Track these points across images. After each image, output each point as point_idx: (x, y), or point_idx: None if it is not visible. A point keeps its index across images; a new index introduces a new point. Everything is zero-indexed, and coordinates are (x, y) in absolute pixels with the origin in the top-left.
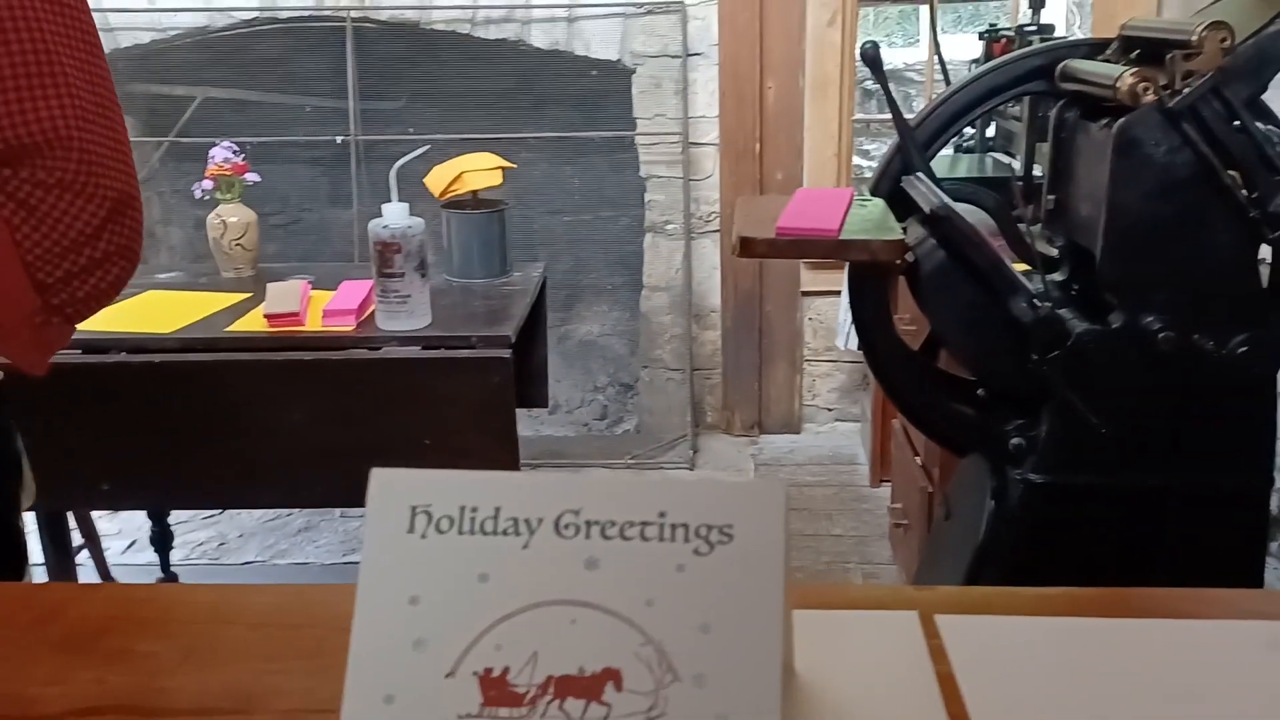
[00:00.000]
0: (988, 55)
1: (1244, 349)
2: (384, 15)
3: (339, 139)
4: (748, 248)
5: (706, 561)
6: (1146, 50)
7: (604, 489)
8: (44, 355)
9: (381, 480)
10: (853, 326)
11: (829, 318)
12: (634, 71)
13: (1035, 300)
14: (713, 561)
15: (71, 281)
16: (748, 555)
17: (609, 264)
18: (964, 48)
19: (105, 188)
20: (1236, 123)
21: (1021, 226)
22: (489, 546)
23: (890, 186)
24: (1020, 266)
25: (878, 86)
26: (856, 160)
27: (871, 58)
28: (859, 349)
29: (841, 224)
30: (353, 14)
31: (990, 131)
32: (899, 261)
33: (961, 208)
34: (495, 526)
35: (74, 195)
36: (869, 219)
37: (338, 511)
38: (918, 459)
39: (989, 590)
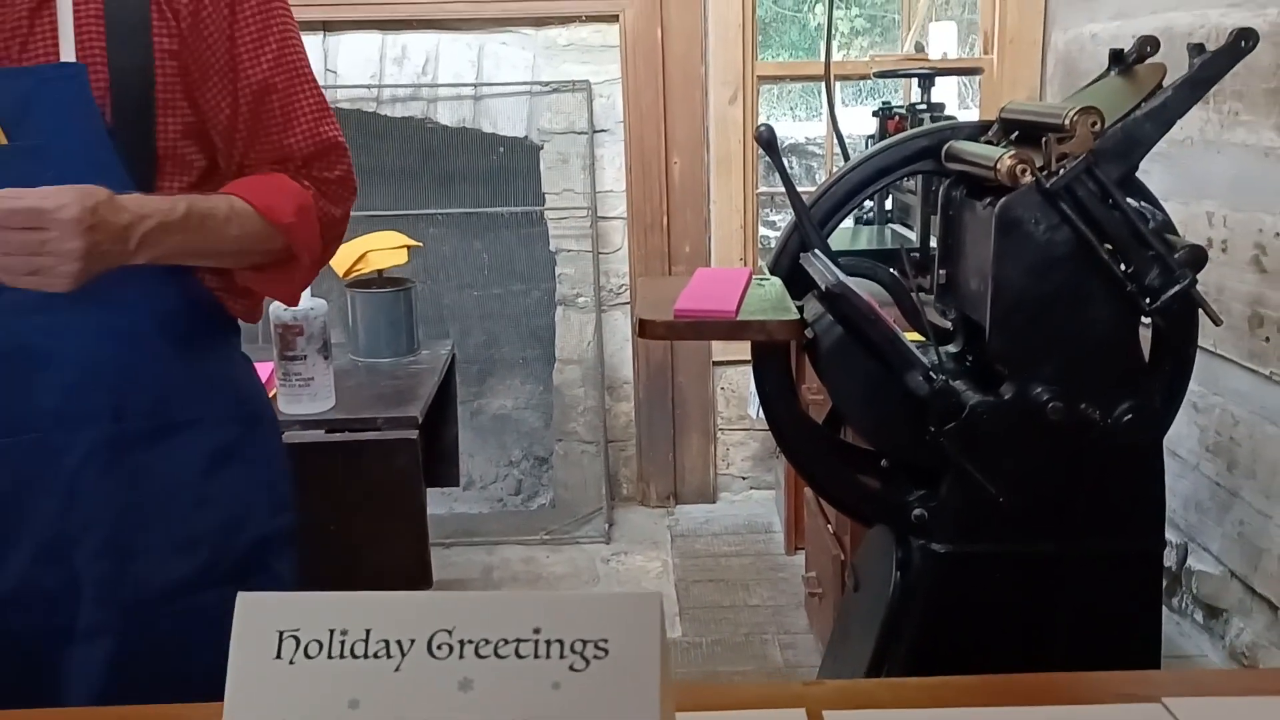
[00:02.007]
0: (882, 132)
1: (1128, 417)
2: None
3: None
4: (647, 330)
5: (583, 677)
6: (1024, 132)
7: (478, 607)
8: (302, 290)
9: (247, 604)
10: None
11: (740, 386)
12: (541, 148)
13: (931, 373)
14: (589, 677)
15: (330, 246)
16: (624, 669)
17: (521, 338)
18: (861, 121)
19: (355, 187)
20: (1110, 201)
21: (917, 296)
22: (359, 670)
23: (789, 263)
24: (914, 337)
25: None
26: (763, 231)
27: (766, 140)
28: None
29: (739, 304)
30: None
31: (889, 204)
32: (799, 338)
33: (858, 282)
34: (366, 650)
35: (342, 186)
36: (767, 298)
37: None
38: (829, 527)
39: (877, 682)
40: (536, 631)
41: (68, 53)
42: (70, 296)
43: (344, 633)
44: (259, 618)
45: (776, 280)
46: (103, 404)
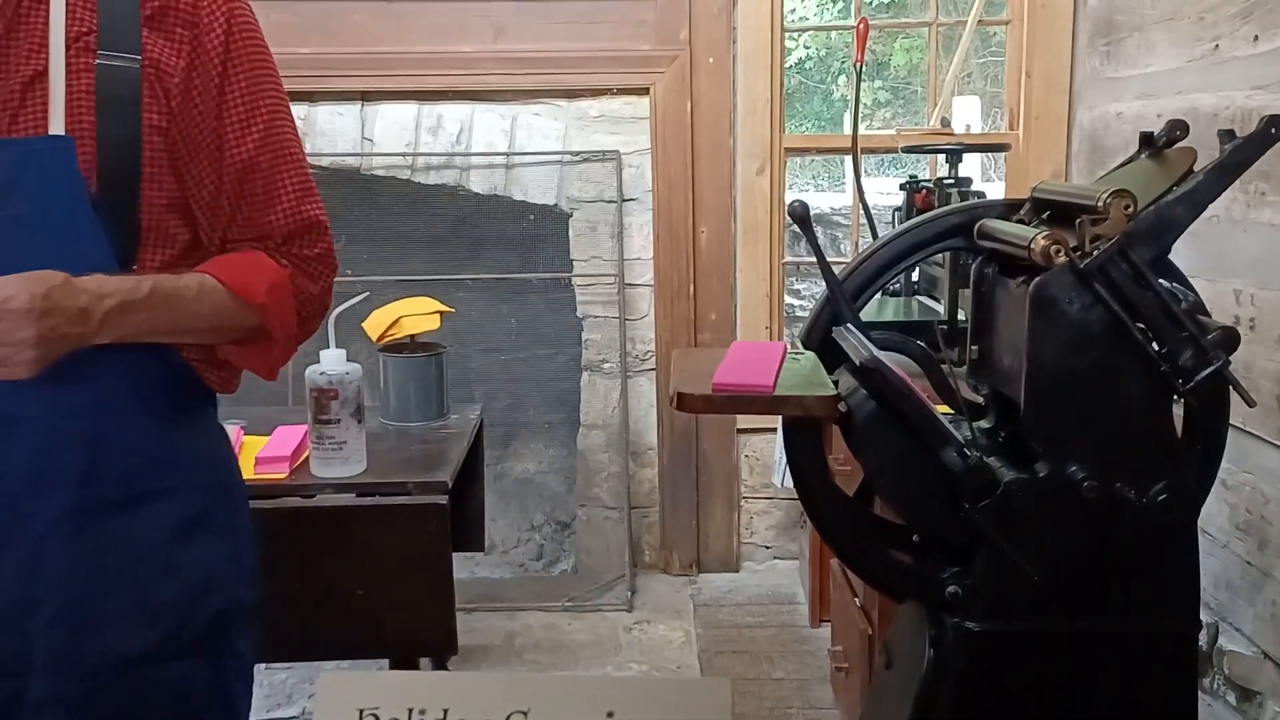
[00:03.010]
0: (909, 204)
1: (1163, 497)
2: (325, 161)
3: None
4: (685, 403)
5: None
6: (1057, 212)
7: (552, 689)
8: (279, 366)
9: (328, 684)
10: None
11: (765, 455)
12: (571, 215)
13: (965, 449)
14: None
15: (308, 323)
16: None
17: (546, 402)
18: (887, 188)
19: (335, 264)
20: (1143, 282)
21: (946, 368)
22: None
23: (821, 337)
24: (945, 410)
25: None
26: (788, 300)
27: (800, 216)
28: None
29: (775, 379)
30: None
31: (915, 276)
32: (835, 414)
33: (889, 356)
34: None
35: (321, 264)
36: (801, 373)
37: (263, 665)
38: (857, 600)
39: None
40: (610, 715)
41: (57, 126)
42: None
43: (422, 712)
44: (340, 695)
45: (811, 355)
46: (71, 470)
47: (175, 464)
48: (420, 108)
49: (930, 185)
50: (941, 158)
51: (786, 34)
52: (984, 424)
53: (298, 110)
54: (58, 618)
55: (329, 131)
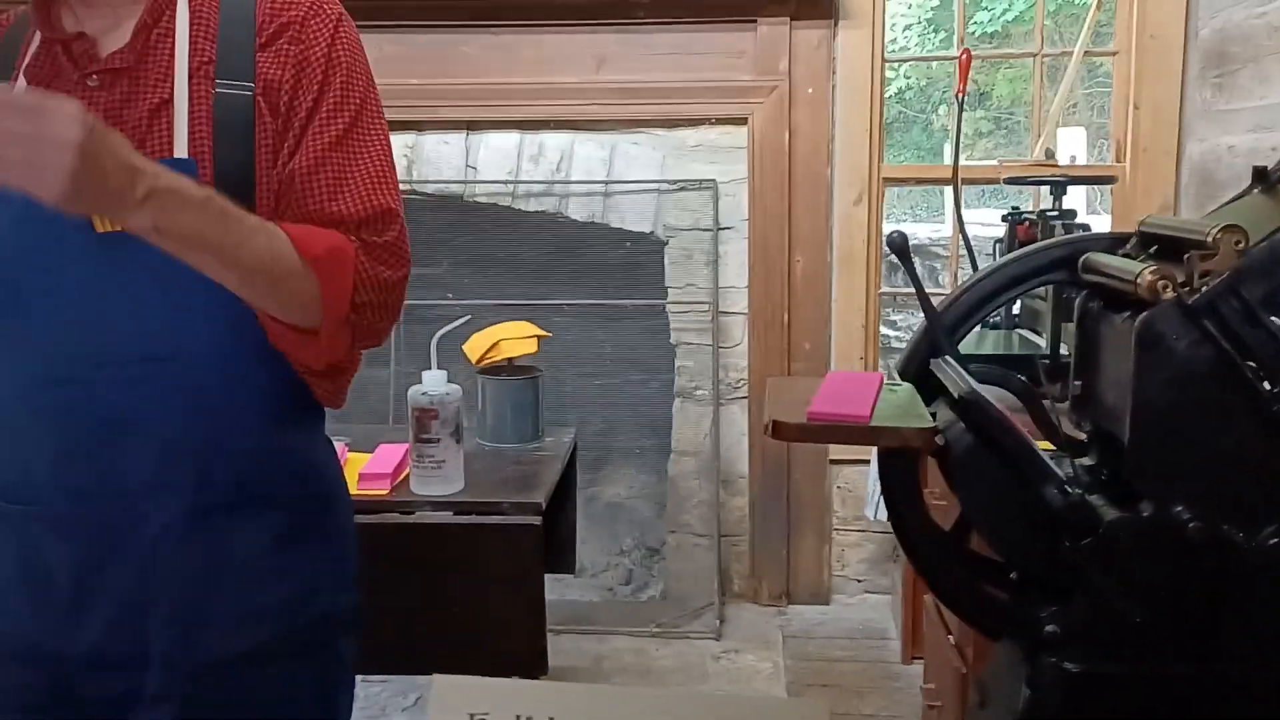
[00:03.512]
0: (1011, 237)
1: (1274, 540)
2: (430, 189)
3: None
4: (781, 431)
5: None
6: (1164, 247)
7: (654, 703)
8: (328, 359)
9: (442, 687)
10: (882, 499)
11: (858, 486)
12: (667, 243)
13: (1066, 486)
14: None
15: (366, 310)
16: None
17: (638, 427)
18: (988, 219)
19: (407, 257)
20: (1255, 319)
21: (1047, 403)
22: None
23: (919, 369)
24: (1046, 446)
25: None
26: (884, 330)
27: (898, 247)
28: (889, 523)
29: (872, 409)
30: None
31: (1016, 309)
32: (932, 446)
33: (989, 389)
34: None
35: (391, 253)
36: (898, 404)
37: (359, 677)
38: (951, 638)
39: None
40: None
41: (181, 150)
42: (164, 367)
43: (529, 719)
44: (453, 699)
45: (908, 386)
46: (185, 476)
47: (283, 473)
48: (522, 137)
49: (1033, 217)
50: (1045, 190)
51: (887, 65)
52: (1086, 461)
53: (405, 139)
54: (171, 617)
55: (435, 160)
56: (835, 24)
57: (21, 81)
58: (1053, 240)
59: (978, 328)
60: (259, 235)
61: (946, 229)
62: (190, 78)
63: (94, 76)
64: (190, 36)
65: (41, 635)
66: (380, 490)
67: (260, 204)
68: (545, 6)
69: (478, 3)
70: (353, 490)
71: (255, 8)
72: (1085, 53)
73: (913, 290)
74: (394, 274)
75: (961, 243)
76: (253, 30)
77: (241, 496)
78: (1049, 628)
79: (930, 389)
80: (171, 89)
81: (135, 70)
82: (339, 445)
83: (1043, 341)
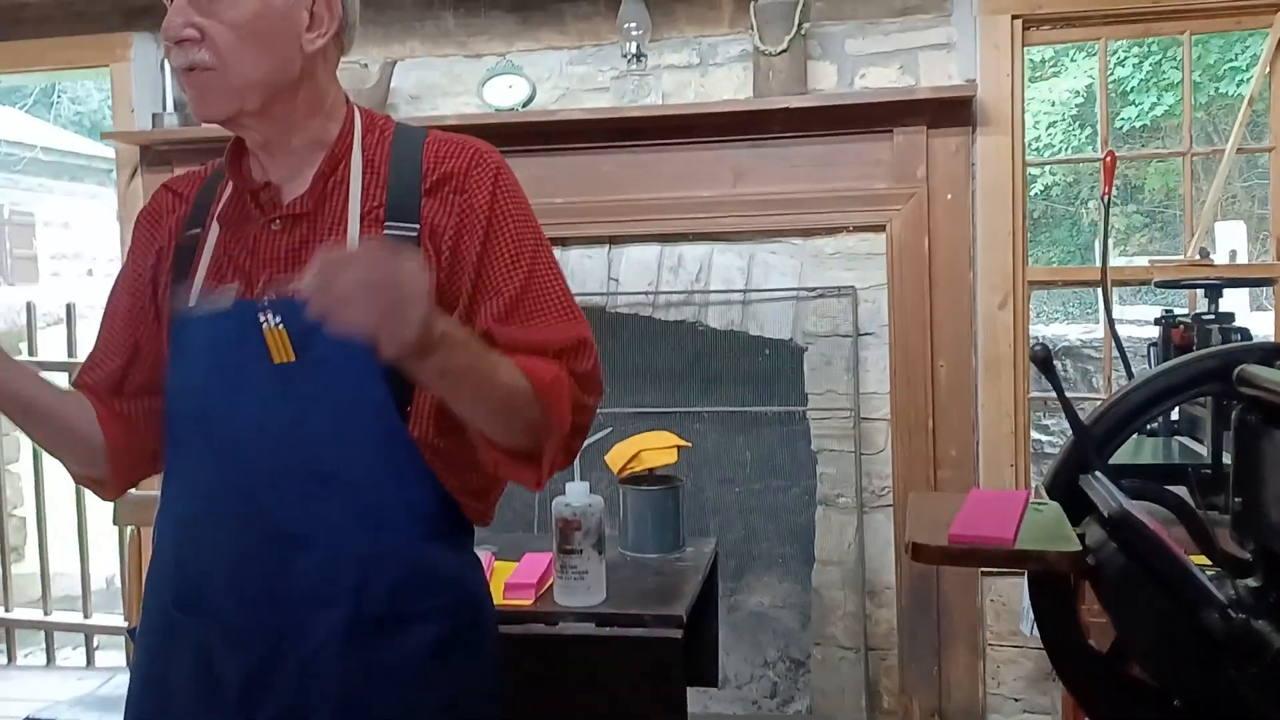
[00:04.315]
0: (1165, 341)
1: None
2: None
3: None
4: (921, 554)
5: None
6: None
7: None
8: (547, 476)
9: None
10: None
11: (1012, 600)
12: (806, 350)
13: (1229, 610)
14: None
15: (577, 433)
16: None
17: (780, 535)
18: (1145, 315)
19: (602, 384)
20: None
21: (1207, 517)
22: None
23: (1067, 483)
24: (1201, 560)
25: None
26: (1035, 435)
27: (1041, 359)
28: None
29: (1016, 531)
30: None
31: (1175, 414)
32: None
33: (1142, 504)
34: None
35: (591, 381)
36: (1045, 525)
37: None
38: None
39: None
40: None
41: None
42: (330, 485)
43: None
44: None
45: (1055, 505)
46: (347, 589)
47: (435, 587)
48: (662, 249)
49: (1188, 321)
50: (1201, 291)
51: (1029, 167)
52: (1250, 582)
53: None
54: None
55: (579, 273)
56: (973, 131)
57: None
58: (1205, 351)
59: (1134, 435)
60: (502, 367)
61: (1100, 329)
62: (362, 220)
63: (277, 221)
64: (363, 183)
65: None
66: (525, 600)
67: None
68: (682, 125)
69: (617, 124)
70: (498, 600)
71: (421, 155)
72: (1238, 149)
73: (1060, 403)
74: (593, 400)
75: (1115, 349)
76: (419, 176)
77: (396, 609)
78: None
79: (1080, 505)
80: (346, 231)
81: (314, 215)
82: (486, 554)
83: (1204, 450)
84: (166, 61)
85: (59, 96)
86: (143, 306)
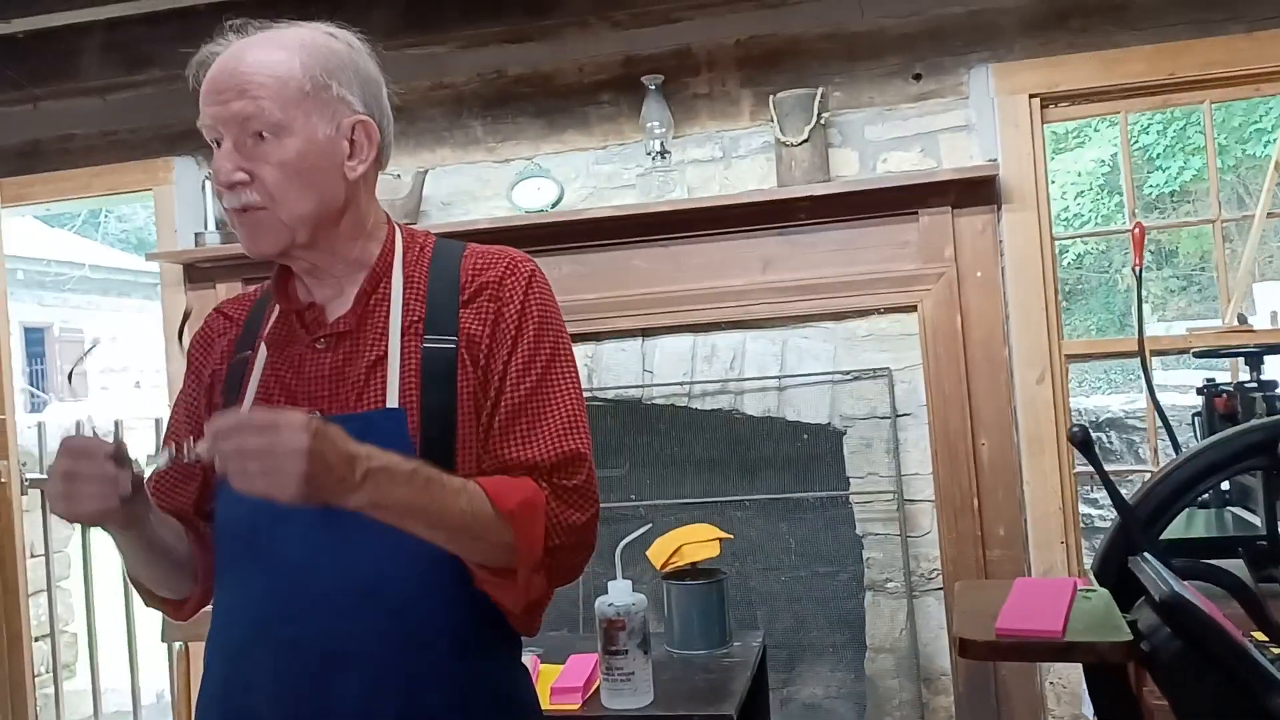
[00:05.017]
0: (1209, 410)
1: None
2: (609, 394)
3: None
4: (969, 650)
5: None
6: None
7: None
8: (525, 600)
9: None
10: None
11: (1073, 682)
12: (844, 433)
13: None
14: None
15: (560, 553)
16: None
17: (829, 623)
18: (1189, 382)
19: (596, 498)
20: None
21: (1269, 585)
22: None
23: (1116, 566)
24: (1260, 636)
25: (1101, 437)
26: (1084, 509)
27: (1080, 441)
28: None
29: (1065, 622)
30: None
31: (1226, 485)
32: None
33: (1196, 583)
34: None
35: (581, 496)
36: (1094, 614)
37: None
38: None
39: None
40: None
41: (392, 399)
42: (374, 603)
43: None
44: None
45: (1103, 592)
46: (392, 707)
47: (482, 701)
48: (695, 339)
49: (1230, 390)
50: (1242, 360)
51: (1056, 242)
52: None
53: (585, 349)
54: None
55: (614, 366)
56: (998, 208)
57: (248, 401)
58: (1249, 425)
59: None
60: (460, 497)
61: (1143, 399)
62: (402, 335)
63: (322, 340)
64: (404, 299)
65: None
66: (572, 705)
67: (461, 445)
68: (709, 217)
69: (645, 219)
70: (545, 705)
71: (459, 269)
72: (1269, 214)
73: (1103, 484)
74: (582, 516)
75: (1159, 419)
76: (456, 289)
77: None
78: None
79: (1132, 587)
80: (386, 346)
81: (356, 332)
82: (531, 657)
83: (1258, 520)
84: (208, 185)
85: (105, 216)
86: (200, 430)
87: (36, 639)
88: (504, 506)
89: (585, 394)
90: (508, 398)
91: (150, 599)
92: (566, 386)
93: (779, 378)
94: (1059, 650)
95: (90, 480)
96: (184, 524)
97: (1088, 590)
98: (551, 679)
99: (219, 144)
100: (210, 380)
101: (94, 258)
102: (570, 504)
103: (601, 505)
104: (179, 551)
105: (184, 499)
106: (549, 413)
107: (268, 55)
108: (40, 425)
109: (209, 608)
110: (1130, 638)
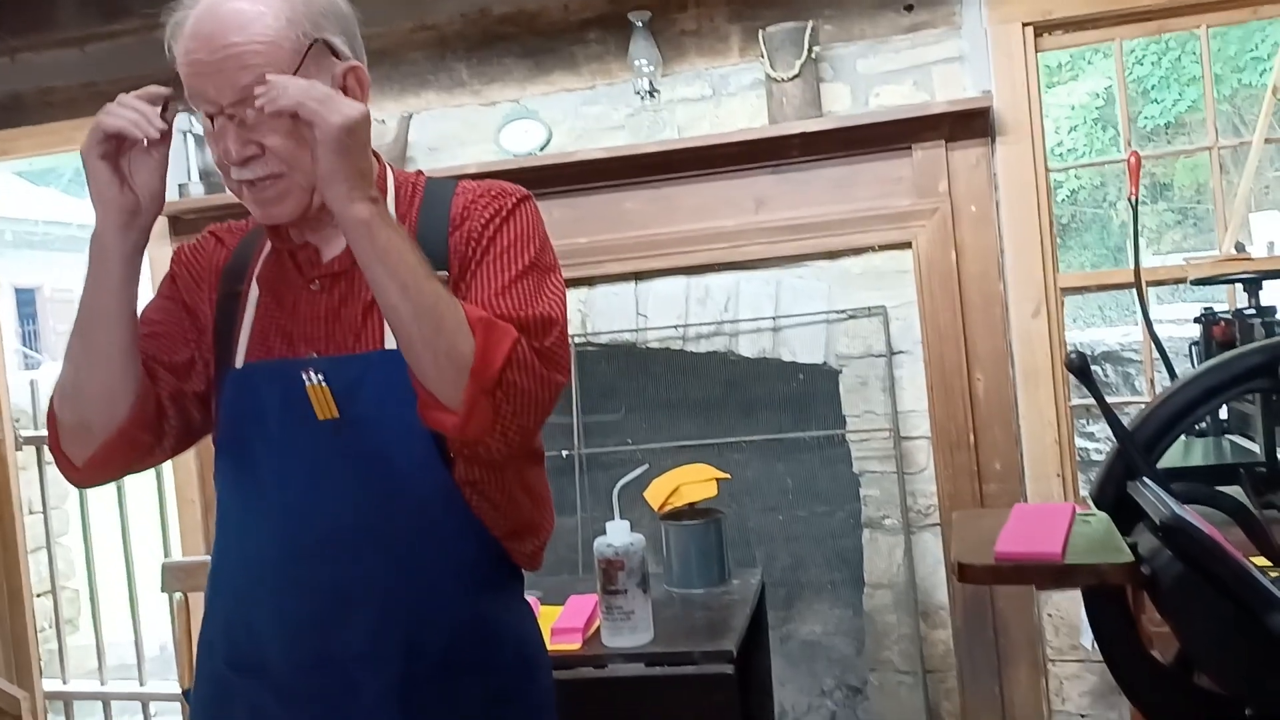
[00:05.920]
0: (1206, 340)
1: None
2: (603, 339)
3: (564, 453)
4: (968, 575)
5: None
6: None
7: None
8: (466, 427)
9: None
10: None
11: (1070, 613)
12: (840, 372)
13: None
14: None
15: (514, 391)
16: None
17: (827, 561)
18: (1185, 314)
19: (565, 367)
20: None
21: (1269, 513)
22: None
23: (1115, 492)
24: (1262, 561)
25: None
26: (1080, 443)
27: (1077, 368)
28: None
29: (1065, 545)
30: (575, 340)
31: (1224, 413)
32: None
33: (1196, 507)
34: None
35: (550, 358)
36: (1094, 537)
37: None
38: None
39: None
40: None
41: (390, 341)
42: (378, 542)
43: None
44: None
45: (1103, 516)
46: (399, 644)
47: (487, 639)
48: (689, 281)
49: (1229, 318)
50: (1240, 286)
51: (1051, 173)
52: None
53: (578, 294)
54: None
55: (606, 311)
56: (993, 141)
57: None
58: (1249, 347)
59: (1184, 437)
60: (436, 282)
61: (1139, 331)
62: None
63: (316, 281)
64: None
65: None
66: (573, 644)
67: None
68: (701, 157)
69: (635, 160)
70: (547, 644)
71: (450, 204)
72: (1265, 140)
73: (1101, 410)
74: (549, 374)
75: (1155, 350)
76: (446, 221)
77: (449, 665)
78: None
79: (1130, 513)
80: None
81: (351, 273)
82: (531, 599)
83: (1256, 447)
84: (189, 136)
85: None
86: (184, 329)
87: (38, 595)
88: (473, 314)
89: (579, 339)
90: (481, 291)
91: (64, 435)
92: (546, 286)
93: (773, 318)
94: (1059, 572)
95: (133, 109)
96: (150, 375)
97: (1087, 514)
98: (552, 620)
99: (213, 118)
100: (193, 306)
101: (81, 216)
102: (544, 361)
103: (600, 450)
104: (130, 374)
105: (165, 359)
106: (519, 287)
107: (254, 14)
108: (33, 383)
109: (207, 557)
110: (1132, 559)
